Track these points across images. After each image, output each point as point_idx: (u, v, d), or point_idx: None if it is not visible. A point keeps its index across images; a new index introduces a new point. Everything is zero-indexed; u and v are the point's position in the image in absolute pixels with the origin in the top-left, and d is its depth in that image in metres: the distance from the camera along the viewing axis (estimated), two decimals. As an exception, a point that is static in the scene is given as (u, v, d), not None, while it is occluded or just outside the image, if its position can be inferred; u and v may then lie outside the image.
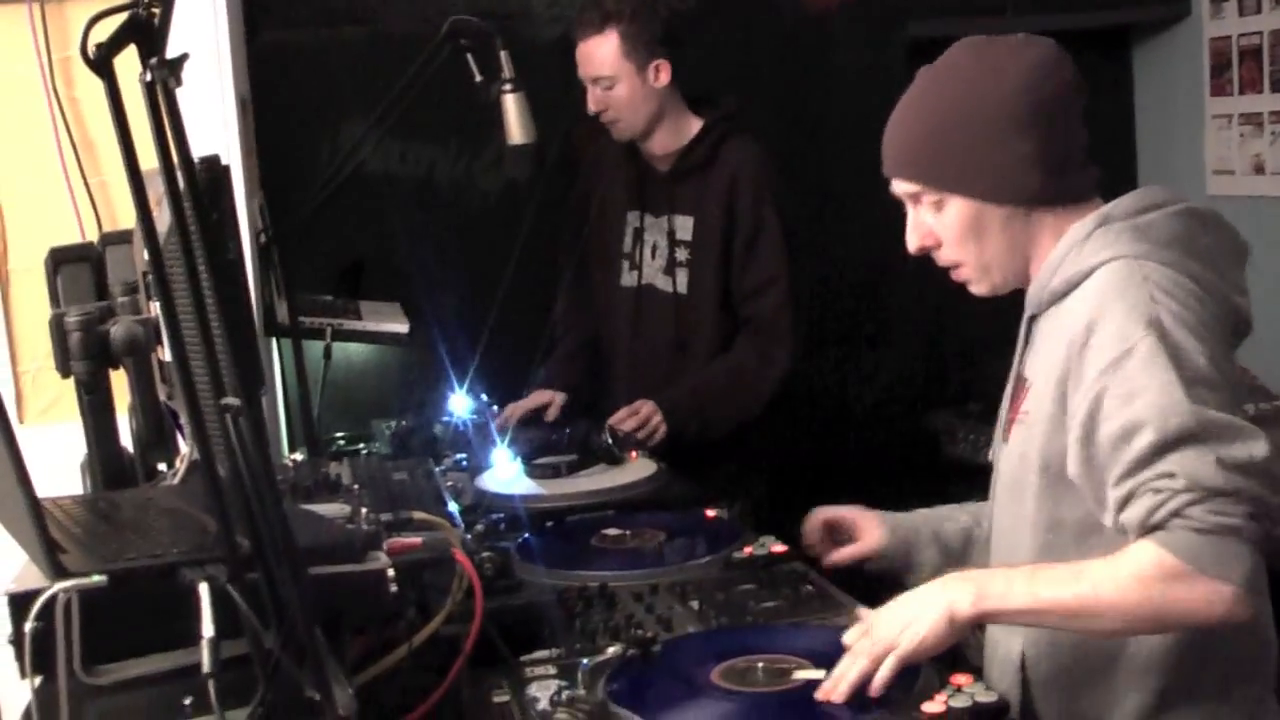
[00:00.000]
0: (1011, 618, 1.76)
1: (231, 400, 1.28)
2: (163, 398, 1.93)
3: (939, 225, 1.90)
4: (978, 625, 1.81)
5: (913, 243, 1.94)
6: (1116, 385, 1.69)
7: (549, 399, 3.41)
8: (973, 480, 4.20)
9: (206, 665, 1.23)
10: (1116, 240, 1.80)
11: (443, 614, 1.76)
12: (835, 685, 1.68)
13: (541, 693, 1.74)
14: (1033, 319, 1.95)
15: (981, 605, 1.70)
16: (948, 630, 1.69)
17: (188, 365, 1.33)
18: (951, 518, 2.22)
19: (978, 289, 1.96)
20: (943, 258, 1.94)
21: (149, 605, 1.34)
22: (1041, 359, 1.88)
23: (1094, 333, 1.74)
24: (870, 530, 2.20)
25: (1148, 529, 1.66)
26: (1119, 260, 1.78)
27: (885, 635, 1.70)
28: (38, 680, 1.35)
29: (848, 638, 1.74)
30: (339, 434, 3.30)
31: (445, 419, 3.29)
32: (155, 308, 1.78)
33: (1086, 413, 1.72)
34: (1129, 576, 1.65)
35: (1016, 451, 1.90)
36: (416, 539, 1.77)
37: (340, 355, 3.49)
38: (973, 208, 1.87)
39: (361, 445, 3.15)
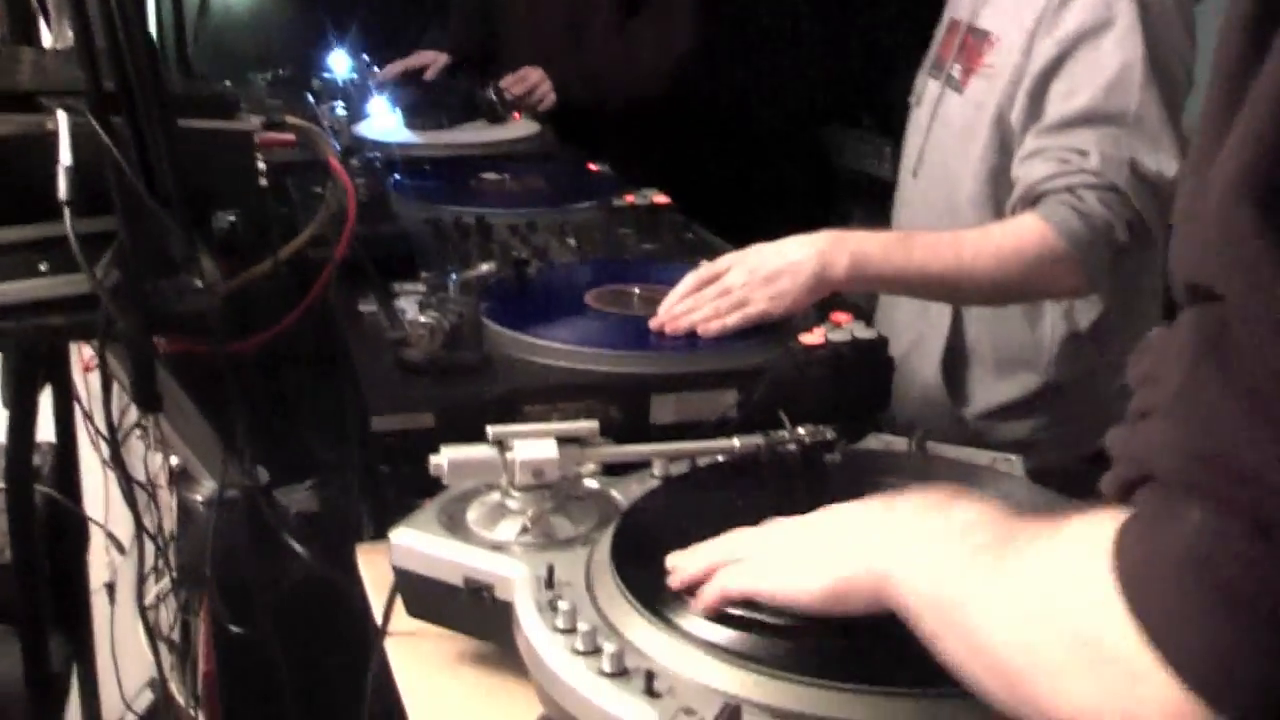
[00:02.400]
0: (884, 283, 1.74)
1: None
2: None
3: None
4: None
5: None
6: (1084, 52, 1.70)
7: (431, 59, 3.30)
8: (860, 192, 4.20)
9: (63, 192, 1.16)
10: None
11: (313, 225, 1.68)
12: (674, 319, 1.60)
13: (410, 305, 1.69)
14: None
15: (856, 270, 1.65)
16: (811, 294, 1.63)
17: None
18: None
19: None
20: None
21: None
22: (1010, 12, 1.84)
23: None
24: None
25: (1038, 193, 1.69)
26: None
27: (746, 289, 1.62)
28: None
29: (700, 273, 1.66)
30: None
31: (323, 74, 3.16)
32: None
33: (1043, 69, 1.73)
34: (1011, 250, 1.67)
35: (973, 101, 1.88)
36: (289, 135, 1.69)
37: (219, 4, 3.32)
38: None
39: (237, 96, 3.02)
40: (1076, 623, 0.68)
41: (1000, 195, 1.84)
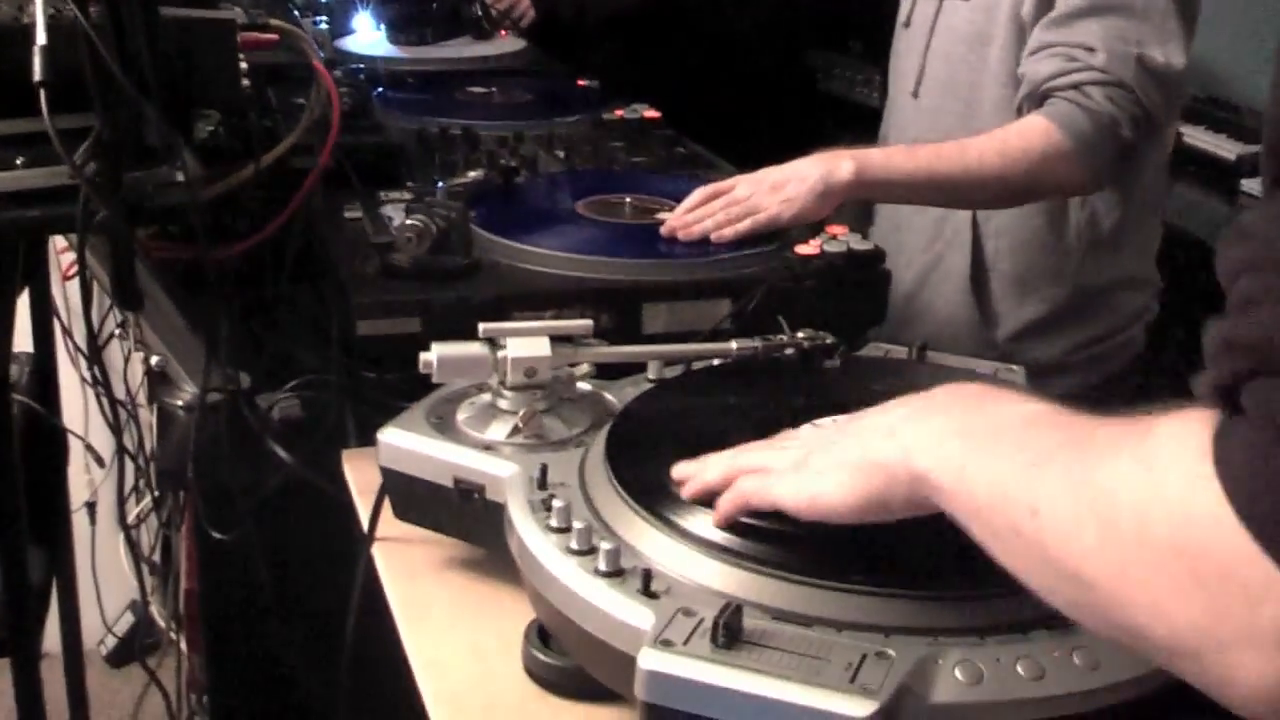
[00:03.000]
0: (889, 190, 1.72)
1: None
2: None
3: None
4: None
5: None
6: None
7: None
8: (846, 115, 4.15)
9: (38, 73, 1.11)
10: None
11: (297, 131, 1.63)
12: (686, 226, 1.58)
13: (395, 212, 1.65)
14: None
15: (862, 175, 1.63)
16: (819, 201, 1.61)
17: None
18: None
19: None
20: None
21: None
22: None
23: None
24: None
25: (1044, 91, 1.68)
26: None
27: (755, 196, 1.61)
28: None
29: (707, 188, 1.64)
30: None
31: (304, -11, 3.09)
32: None
33: None
34: (1018, 150, 1.66)
35: (983, 6, 1.84)
36: (272, 35, 1.64)
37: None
38: None
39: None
40: (1175, 534, 0.61)
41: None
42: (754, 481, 0.94)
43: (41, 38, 1.13)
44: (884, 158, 1.67)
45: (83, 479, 2.67)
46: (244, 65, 1.53)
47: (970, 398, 0.85)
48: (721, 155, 2.05)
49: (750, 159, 1.76)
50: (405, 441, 1.13)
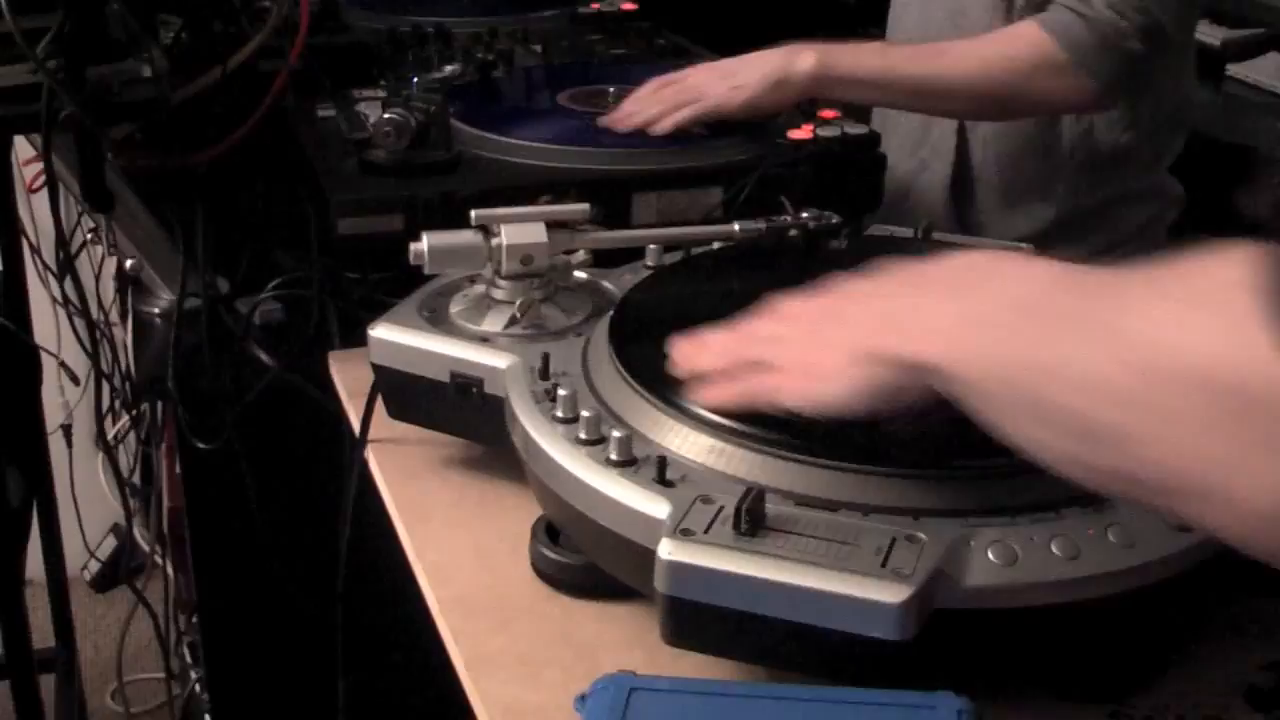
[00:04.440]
0: (853, 89, 1.59)
1: None
2: None
3: None
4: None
5: None
6: None
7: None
8: (832, 15, 4.07)
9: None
10: None
11: (264, 31, 1.55)
12: (626, 115, 1.51)
13: (371, 109, 1.58)
14: None
15: (825, 70, 1.53)
16: (772, 90, 1.52)
17: None
18: None
19: None
20: None
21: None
22: None
23: None
24: None
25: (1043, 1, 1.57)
26: None
27: (704, 84, 1.53)
28: None
29: (663, 77, 1.56)
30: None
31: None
32: None
33: None
34: (998, 57, 1.55)
35: None
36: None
37: None
38: None
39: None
40: (1214, 367, 0.58)
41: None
42: (760, 384, 0.88)
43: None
44: (852, 54, 1.56)
45: (57, 401, 2.61)
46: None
47: (975, 272, 0.80)
48: (703, 47, 1.99)
49: (732, 51, 1.69)
50: (398, 336, 1.07)
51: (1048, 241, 1.78)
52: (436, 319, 1.09)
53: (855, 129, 1.53)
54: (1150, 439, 0.62)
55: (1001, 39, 1.58)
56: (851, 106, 1.64)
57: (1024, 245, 1.28)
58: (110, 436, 2.10)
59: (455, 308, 1.11)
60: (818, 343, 0.86)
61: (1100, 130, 1.76)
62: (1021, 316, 0.72)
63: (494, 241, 1.06)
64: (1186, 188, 1.89)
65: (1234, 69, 2.74)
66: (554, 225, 1.08)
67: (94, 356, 1.54)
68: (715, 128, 1.51)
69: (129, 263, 1.34)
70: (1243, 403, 0.57)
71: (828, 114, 1.57)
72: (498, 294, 1.08)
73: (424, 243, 1.06)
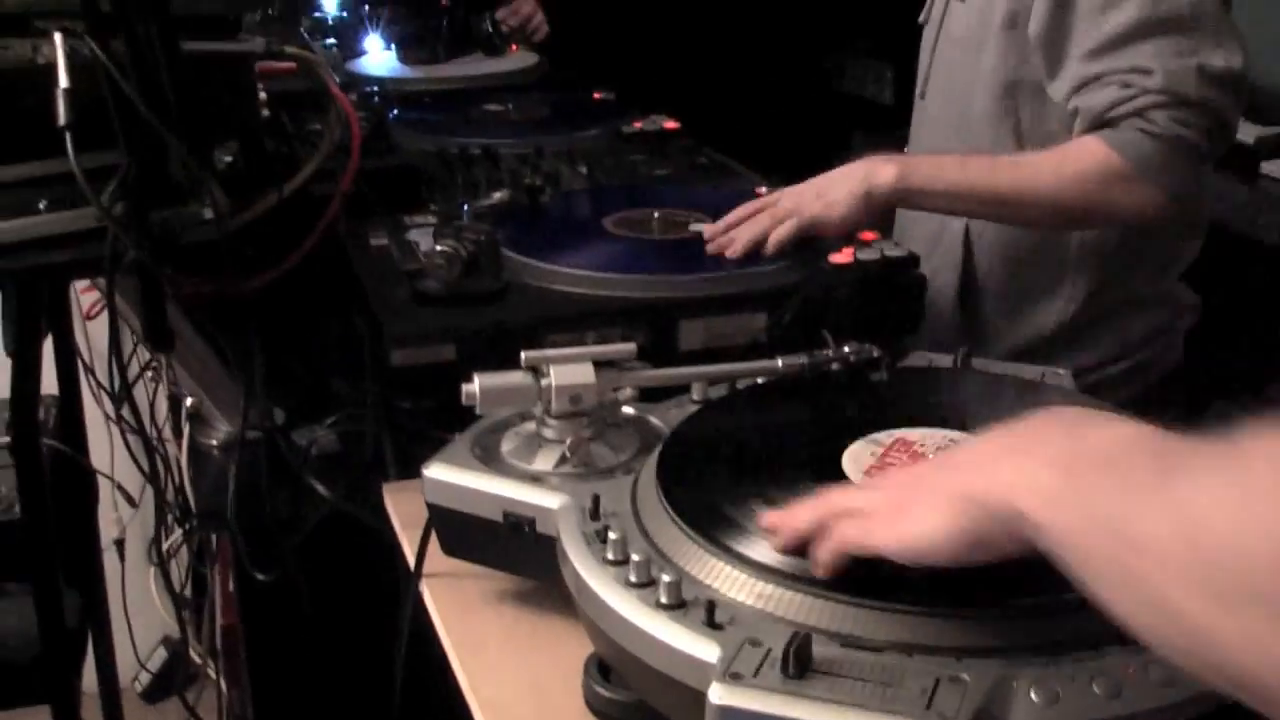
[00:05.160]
0: (934, 200, 1.65)
1: None
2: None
3: None
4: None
5: None
6: None
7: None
8: (862, 113, 4.13)
9: (62, 116, 1.09)
10: None
11: (319, 155, 1.61)
12: (730, 241, 1.56)
13: (422, 236, 1.62)
14: None
15: (906, 182, 1.59)
16: (862, 205, 1.58)
17: None
18: None
19: None
20: None
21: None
22: None
23: None
24: None
25: (1104, 121, 1.58)
26: None
27: (792, 201, 1.59)
28: None
29: (750, 204, 1.61)
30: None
31: (314, 12, 3.08)
32: None
33: None
34: (1073, 172, 1.59)
35: (976, 7, 1.77)
36: (289, 64, 1.62)
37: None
38: None
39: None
40: (1270, 560, 0.58)
41: (1018, 110, 1.74)
42: (852, 528, 0.89)
43: (64, 80, 1.11)
44: (930, 165, 1.62)
45: (110, 516, 2.65)
46: (262, 95, 1.52)
47: (1067, 425, 0.81)
48: (740, 162, 2.03)
49: (769, 164, 1.72)
50: (451, 476, 1.10)
51: (1053, 348, 1.82)
52: (489, 457, 1.12)
53: (895, 251, 1.56)
54: (1217, 630, 0.62)
55: (1071, 155, 1.60)
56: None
57: (1062, 372, 1.30)
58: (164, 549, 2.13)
59: (507, 446, 1.13)
60: (914, 485, 0.88)
61: (1108, 236, 1.78)
62: (1107, 473, 0.73)
63: (544, 382, 1.09)
64: (1214, 287, 1.91)
65: (1268, 166, 2.75)
66: (601, 365, 1.11)
67: (153, 480, 1.57)
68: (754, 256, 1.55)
69: (188, 401, 1.37)
70: None
71: (867, 235, 1.60)
72: (548, 433, 1.11)
73: (475, 384, 1.09)
